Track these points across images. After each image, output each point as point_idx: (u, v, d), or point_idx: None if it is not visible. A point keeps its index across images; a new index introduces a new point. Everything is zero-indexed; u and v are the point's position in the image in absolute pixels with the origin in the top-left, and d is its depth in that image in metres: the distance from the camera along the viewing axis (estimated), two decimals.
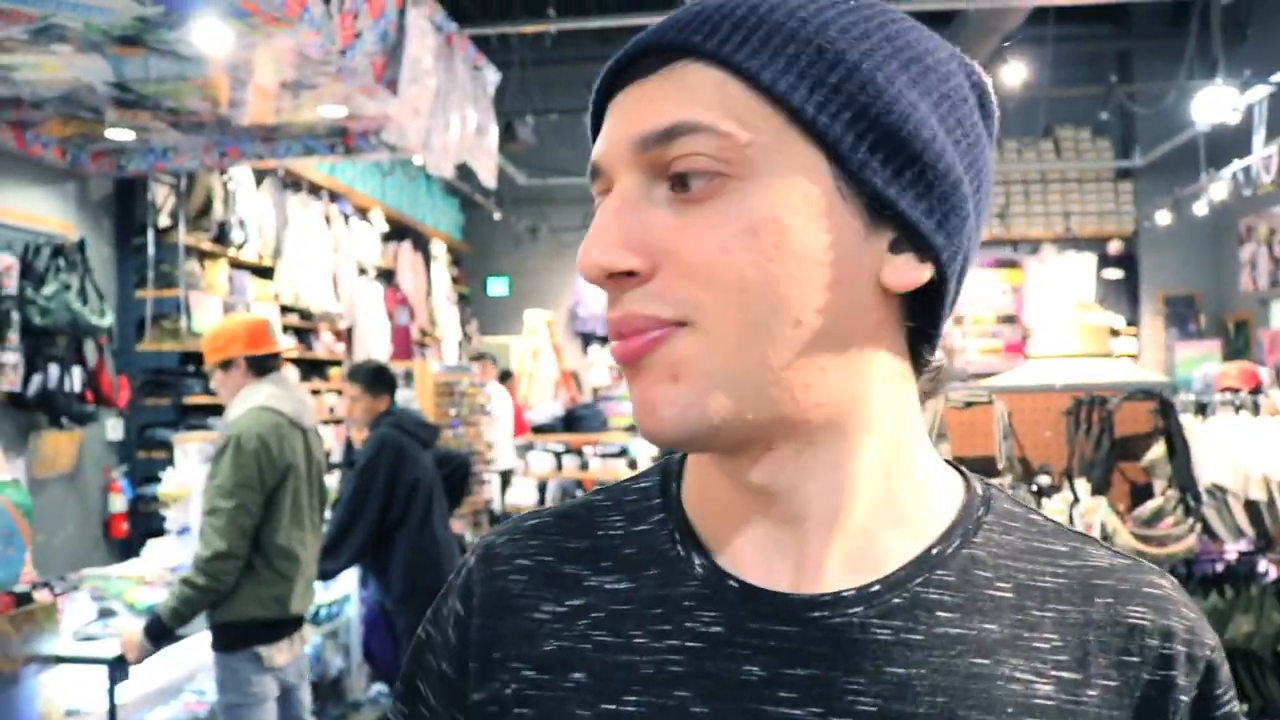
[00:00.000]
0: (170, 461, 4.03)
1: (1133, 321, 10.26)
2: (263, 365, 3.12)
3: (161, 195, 5.68)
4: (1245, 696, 3.13)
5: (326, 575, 3.66)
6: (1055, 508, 2.86)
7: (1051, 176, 10.30)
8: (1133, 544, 2.81)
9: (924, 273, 0.57)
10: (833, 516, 0.59)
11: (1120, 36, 10.11)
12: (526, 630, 0.64)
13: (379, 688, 4.62)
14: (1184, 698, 0.59)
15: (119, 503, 5.33)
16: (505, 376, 8.30)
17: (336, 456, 5.44)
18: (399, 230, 9.01)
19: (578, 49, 8.72)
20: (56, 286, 4.73)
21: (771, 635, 0.58)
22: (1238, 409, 3.39)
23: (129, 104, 4.24)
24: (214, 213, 6.05)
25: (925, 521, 0.61)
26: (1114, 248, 10.21)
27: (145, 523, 5.17)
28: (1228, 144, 7.48)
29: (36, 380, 4.65)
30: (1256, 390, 4.16)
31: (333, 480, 3.56)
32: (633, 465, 6.58)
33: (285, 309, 6.82)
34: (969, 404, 2.88)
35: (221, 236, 6.17)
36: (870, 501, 0.60)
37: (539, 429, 7.06)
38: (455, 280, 10.45)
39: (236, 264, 6.43)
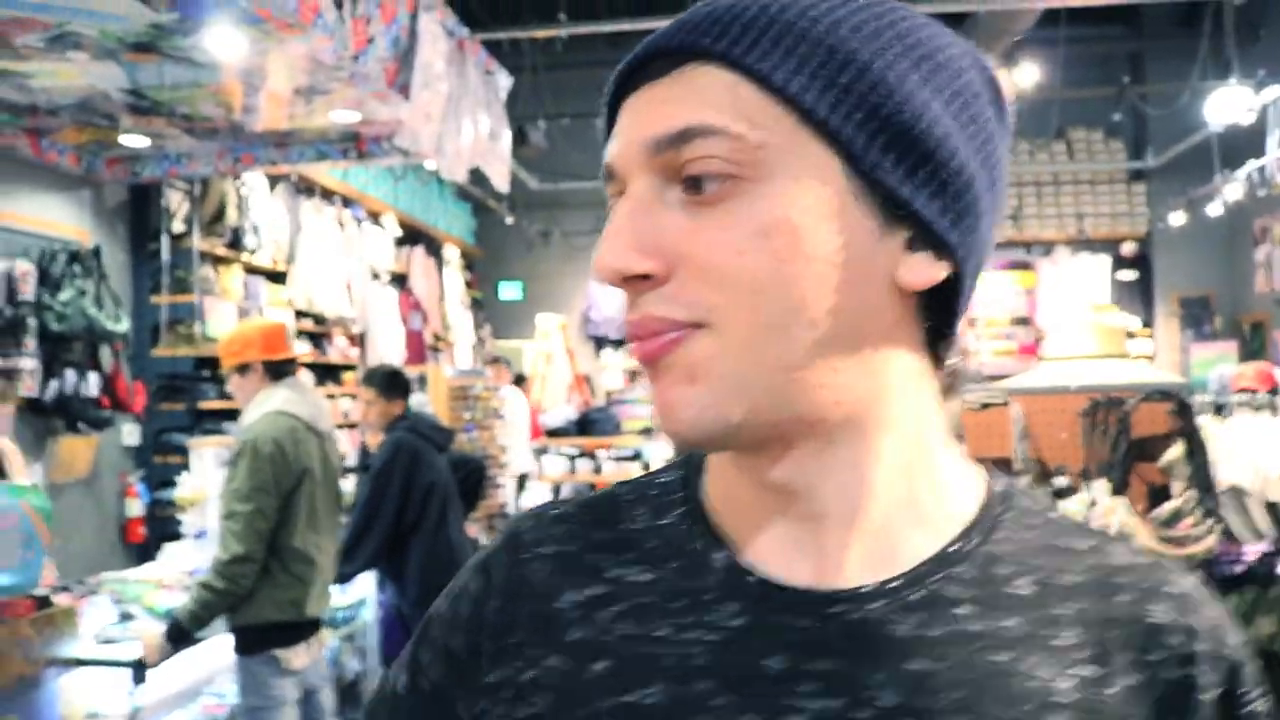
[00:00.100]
0: (186, 466, 4.05)
1: (1148, 323, 10.22)
2: (278, 370, 3.13)
3: (176, 201, 5.70)
4: None
5: (343, 579, 3.67)
6: (1073, 509, 2.85)
7: (1064, 178, 10.28)
8: (1152, 545, 2.80)
9: (939, 271, 0.57)
10: (852, 513, 0.60)
11: (1132, 37, 10.08)
12: (547, 618, 0.64)
13: None
14: (1206, 696, 0.58)
15: (135, 507, 5.35)
16: (519, 380, 8.31)
17: (351, 461, 5.44)
18: (412, 235, 9.03)
19: (589, 53, 8.73)
20: (73, 293, 4.76)
21: (792, 629, 0.59)
22: (1257, 410, 3.38)
23: (143, 110, 4.27)
24: (228, 218, 6.08)
25: (945, 518, 0.61)
26: (1128, 249, 10.18)
27: (161, 527, 5.19)
28: (1242, 144, 7.45)
29: (53, 386, 4.68)
30: (1274, 391, 4.14)
31: (348, 484, 3.57)
32: (646, 469, 6.58)
33: (299, 314, 6.84)
34: (985, 405, 2.88)
35: (235, 242, 6.20)
36: (890, 499, 0.60)
37: (553, 433, 7.07)
38: (468, 284, 10.47)
39: (250, 269, 6.45)
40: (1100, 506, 2.83)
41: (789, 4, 0.56)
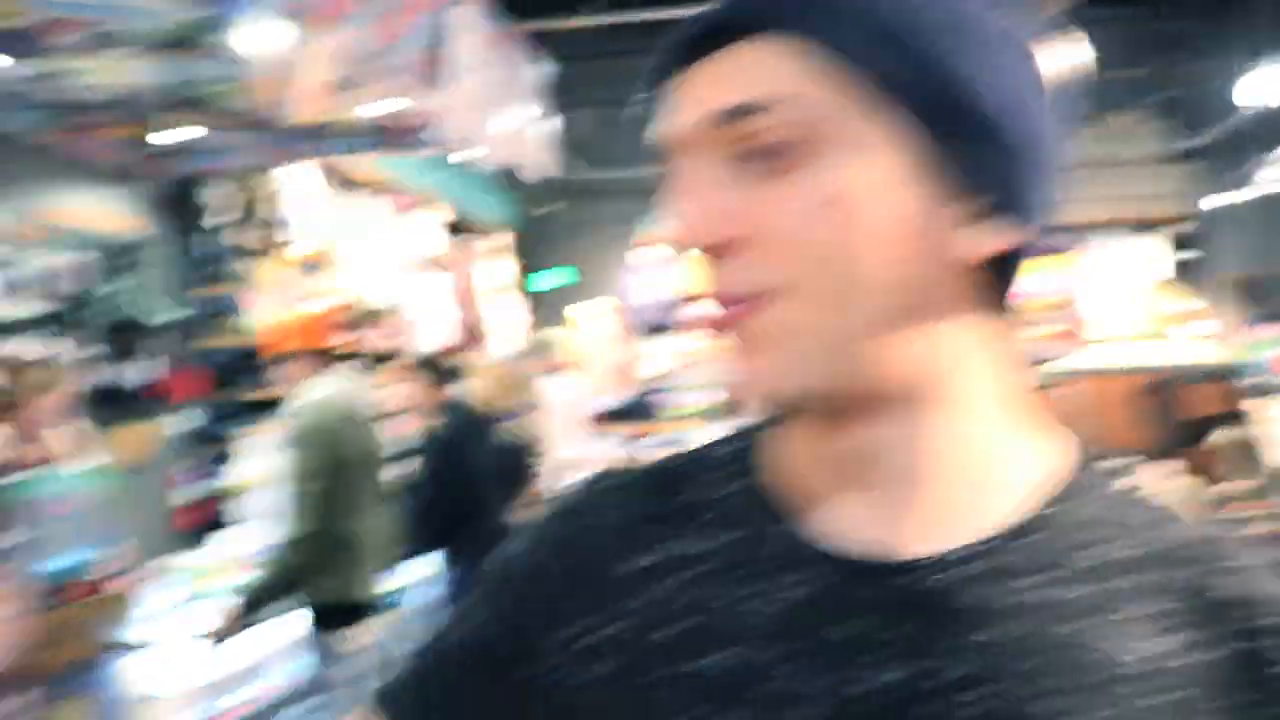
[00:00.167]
0: (233, 455, 4.11)
1: (1199, 304, 10.06)
2: (323, 358, 3.17)
3: (216, 195, 5.77)
4: None
5: (390, 565, 3.72)
6: None
7: (1108, 160, 10.13)
8: None
9: (1003, 241, 0.58)
10: (920, 483, 0.60)
11: (1176, 16, 9.91)
12: (604, 586, 0.65)
13: None
14: (1274, 670, 0.58)
15: (185, 495, 5.42)
16: (562, 367, 8.32)
17: (397, 447, 5.49)
18: (454, 224, 9.07)
19: (632, 41, 8.70)
20: (118, 286, 4.84)
21: (857, 599, 0.59)
22: None
23: (181, 106, 4.31)
24: (268, 211, 6.14)
25: (1015, 488, 0.61)
26: (1176, 230, 10.03)
27: (211, 514, 5.25)
28: None
29: (102, 376, 4.75)
30: None
31: (393, 471, 3.63)
32: None
33: (342, 303, 6.89)
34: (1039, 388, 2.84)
35: (276, 234, 6.26)
36: (958, 468, 0.60)
37: (597, 419, 7.09)
38: (512, 272, 10.50)
39: (291, 261, 6.51)
40: (1151, 489, 2.79)
41: None
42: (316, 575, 2.98)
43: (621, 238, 10.61)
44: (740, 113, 0.55)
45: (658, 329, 10.62)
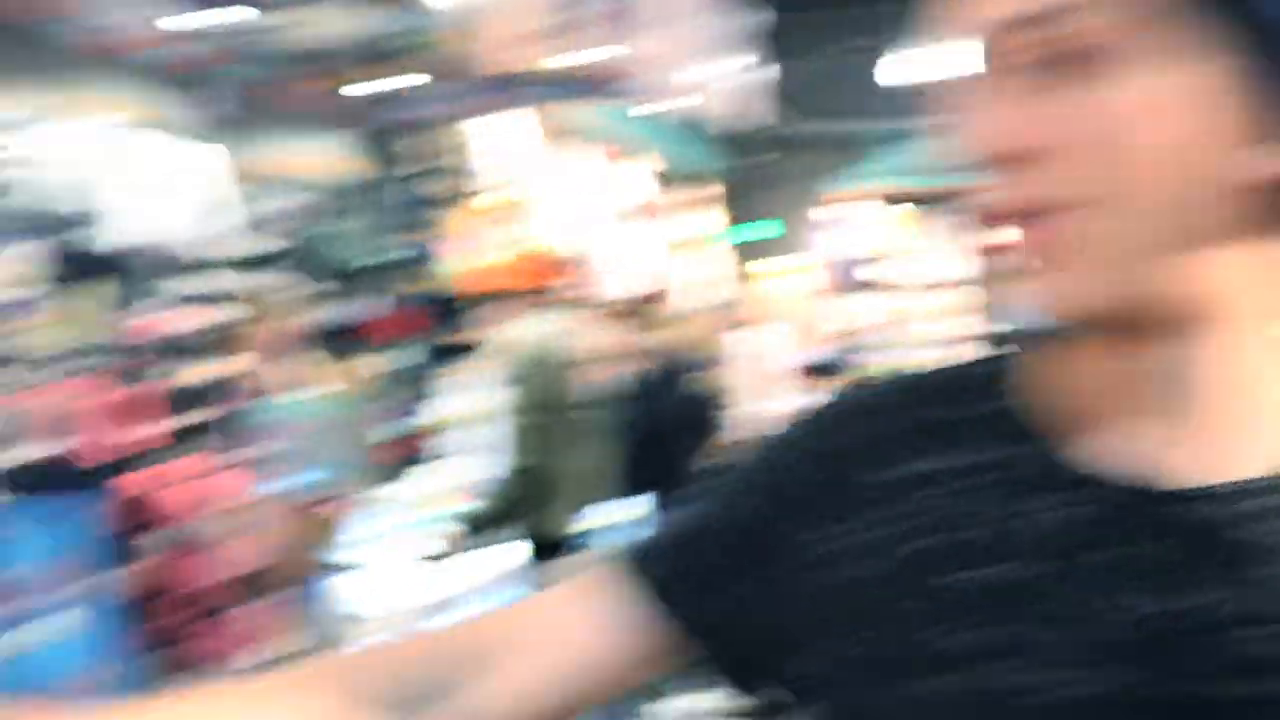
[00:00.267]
0: (432, 394, 4.30)
1: None
2: (527, 301, 3.27)
3: (419, 144, 5.96)
4: None
5: (592, 504, 3.83)
6: None
7: None
8: None
9: None
10: (1197, 409, 0.58)
11: None
12: (854, 494, 0.65)
13: None
14: None
15: (388, 431, 5.69)
16: (760, 321, 8.28)
17: (596, 392, 5.62)
18: (660, 173, 9.09)
19: None
20: (335, 229, 5.09)
21: (1127, 525, 0.57)
22: None
23: (382, 56, 4.45)
24: (469, 160, 6.29)
25: None
26: None
27: (413, 450, 5.50)
28: None
29: (312, 317, 5.02)
30: None
31: (589, 416, 3.72)
32: None
33: (544, 249, 7.02)
34: None
35: (476, 182, 6.41)
36: (1238, 397, 0.58)
37: (795, 374, 7.04)
38: (716, 223, 10.47)
39: (493, 208, 6.66)
40: None
41: None
42: (531, 508, 3.12)
43: (827, 191, 10.42)
44: (1036, 19, 0.54)
45: (860, 285, 10.41)
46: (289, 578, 1.58)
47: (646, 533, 0.76)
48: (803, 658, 0.65)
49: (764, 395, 7.13)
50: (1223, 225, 0.55)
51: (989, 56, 0.56)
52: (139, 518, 1.33)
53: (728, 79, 4.37)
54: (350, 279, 5.18)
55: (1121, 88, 0.53)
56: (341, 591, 3.09)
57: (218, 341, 2.20)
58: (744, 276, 10.59)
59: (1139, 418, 0.58)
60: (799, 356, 7.29)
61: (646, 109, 8.39)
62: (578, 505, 3.25)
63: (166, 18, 4.10)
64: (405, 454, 5.56)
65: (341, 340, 5.08)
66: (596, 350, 4.07)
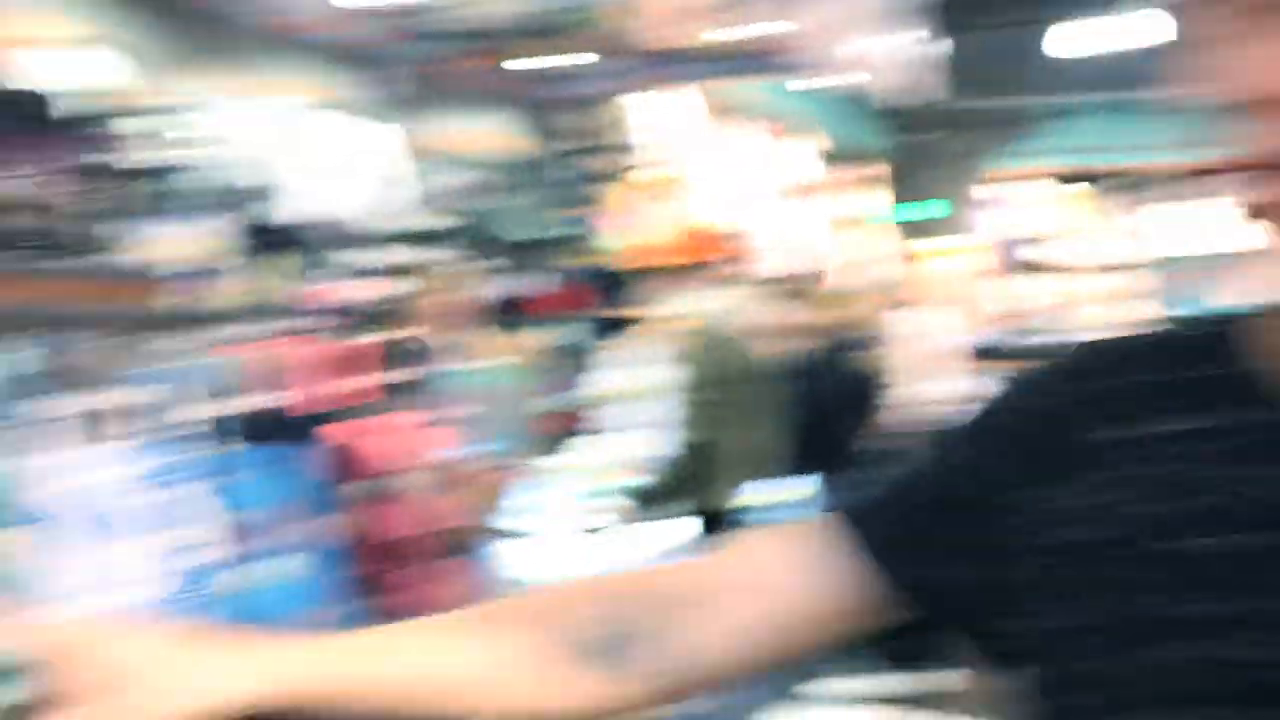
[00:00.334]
0: (596, 369, 4.35)
1: None
2: (690, 277, 3.27)
3: (576, 120, 6.01)
4: None
5: (758, 480, 3.82)
6: None
7: None
8: None
9: None
10: None
11: None
12: (1073, 455, 0.63)
13: None
14: None
15: (552, 404, 5.78)
16: (925, 301, 8.11)
17: (760, 370, 5.61)
18: (819, 150, 8.98)
19: None
20: (490, 208, 5.19)
21: None
22: None
23: (547, 33, 4.49)
24: (631, 135, 6.32)
25: None
26: None
27: (577, 424, 5.57)
28: None
29: (488, 289, 5.12)
30: None
31: (757, 392, 3.71)
32: None
33: (703, 227, 7.01)
34: None
35: (638, 158, 6.43)
36: None
37: (962, 356, 6.89)
38: (881, 202, 10.28)
39: (651, 185, 6.68)
40: None
41: None
42: (698, 484, 3.14)
43: (993, 169, 10.12)
44: None
45: (1026, 266, 10.09)
46: (468, 539, 1.62)
47: (864, 490, 0.75)
48: (1018, 620, 0.63)
49: (927, 377, 6.97)
50: None
51: None
52: (347, 469, 1.37)
53: (893, 54, 4.26)
54: (516, 254, 5.28)
55: None
56: (507, 559, 3.15)
57: (391, 313, 2.26)
58: (908, 256, 10.38)
59: None
60: (963, 338, 7.11)
61: (810, 85, 8.28)
62: (743, 482, 3.26)
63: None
64: (569, 427, 5.64)
65: (507, 314, 5.18)
66: (762, 327, 4.05)
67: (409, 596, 1.47)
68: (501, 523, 3.09)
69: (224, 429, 1.24)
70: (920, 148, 9.91)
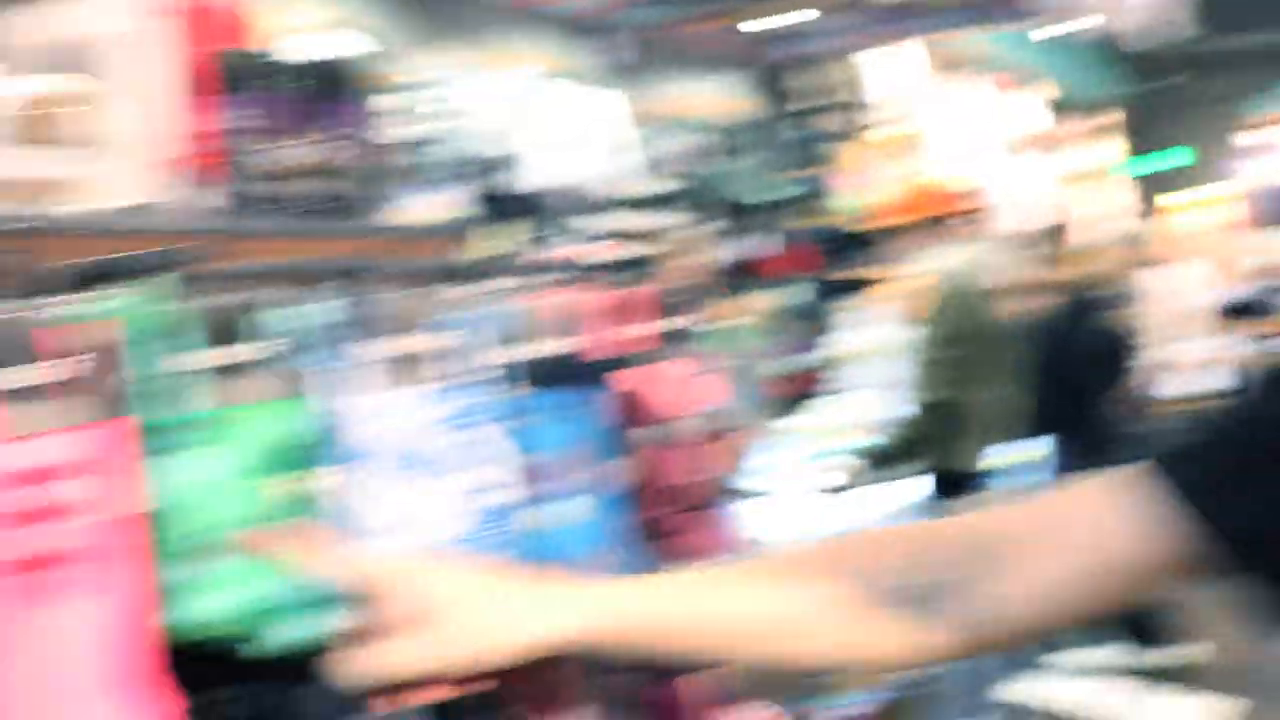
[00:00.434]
0: (828, 329, 4.32)
1: None
2: (942, 227, 3.20)
3: (810, 79, 5.94)
4: None
5: (1002, 442, 3.73)
6: None
7: None
8: None
9: None
10: None
11: None
12: None
13: None
14: None
15: (787, 366, 5.77)
16: (1169, 257, 7.67)
17: (1002, 328, 5.44)
18: (1056, 101, 8.59)
19: None
20: (729, 168, 5.19)
21: None
22: None
23: None
24: (859, 93, 6.21)
25: None
26: None
27: (808, 386, 5.54)
28: None
29: (720, 254, 5.15)
30: None
31: (999, 351, 3.60)
32: None
33: (938, 184, 6.84)
34: None
35: (867, 116, 6.33)
36: None
37: (1214, 315, 6.49)
38: (1117, 153, 9.76)
39: (883, 142, 6.56)
40: None
41: None
42: (937, 444, 3.09)
43: (1248, 114, 9.43)
44: None
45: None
46: (725, 492, 1.64)
47: (1173, 440, 0.73)
48: None
49: (1179, 336, 6.59)
50: None
51: None
52: (631, 414, 1.40)
53: None
54: (746, 216, 5.28)
55: None
56: (747, 518, 3.17)
57: (625, 277, 2.29)
58: (1152, 210, 9.81)
59: None
60: (1216, 295, 6.67)
61: (1045, 33, 7.92)
62: (985, 442, 3.18)
63: None
64: (802, 388, 5.63)
65: (739, 276, 5.20)
66: (1001, 285, 3.93)
67: (685, 543, 1.49)
68: (739, 483, 3.11)
69: (516, 374, 1.28)
70: (1163, 93, 9.31)
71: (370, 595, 0.83)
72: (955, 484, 3.15)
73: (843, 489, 3.21)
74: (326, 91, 1.68)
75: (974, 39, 6.98)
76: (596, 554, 1.29)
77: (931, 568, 0.75)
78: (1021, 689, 3.39)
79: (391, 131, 2.56)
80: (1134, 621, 3.39)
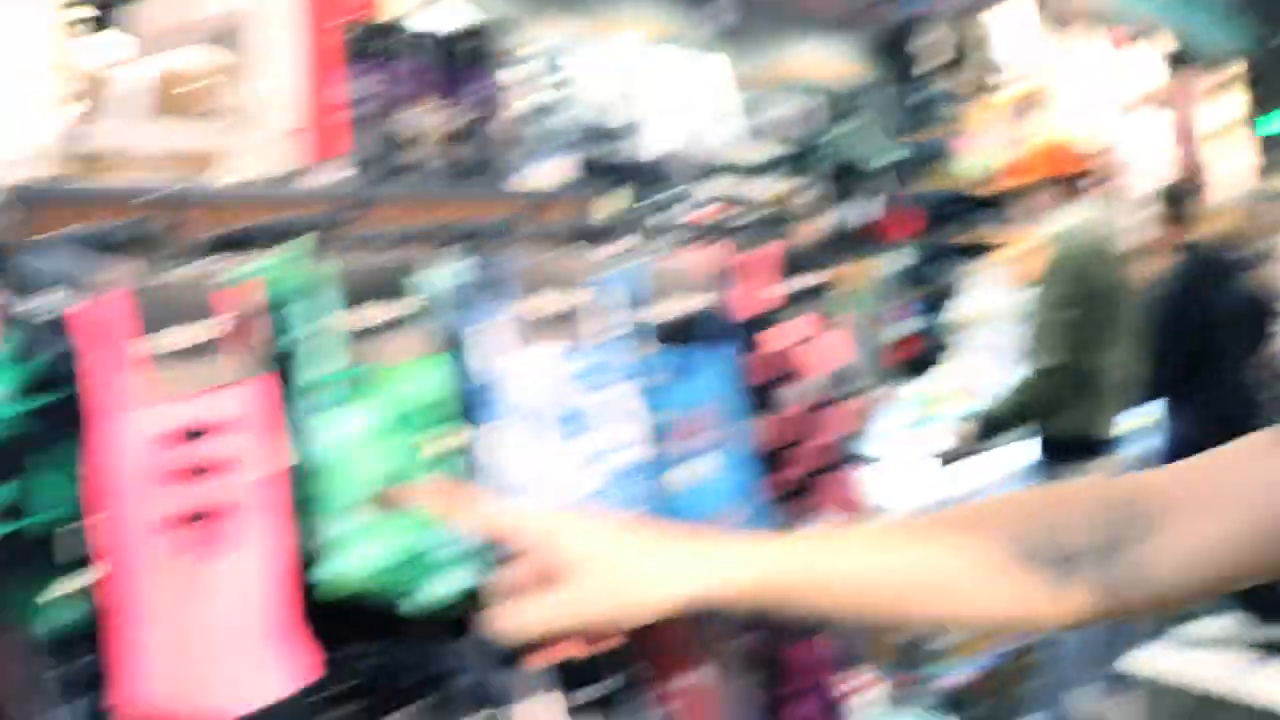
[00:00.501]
0: (948, 293, 4.23)
1: None
2: (1069, 187, 3.11)
3: (933, 38, 5.82)
4: None
5: (1127, 406, 3.63)
6: None
7: None
8: None
9: None
10: None
11: None
12: None
13: None
14: None
15: (900, 330, 5.69)
16: None
17: (1127, 290, 5.29)
18: (1176, 55, 8.27)
19: None
20: (840, 131, 5.12)
21: None
22: None
23: None
24: (980, 53, 6.08)
25: None
26: None
27: (920, 351, 5.46)
28: None
29: (831, 216, 5.09)
30: None
31: (1124, 314, 3.49)
32: None
33: (1064, 143, 6.66)
34: None
35: (988, 76, 6.19)
36: None
37: None
38: (1244, 109, 9.35)
39: (1004, 102, 6.40)
40: None
41: None
42: (1056, 408, 3.01)
43: None
44: None
45: None
46: (850, 454, 1.63)
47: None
48: None
49: None
50: None
51: None
52: (759, 373, 1.41)
53: None
54: (862, 180, 5.21)
55: None
56: (867, 482, 3.15)
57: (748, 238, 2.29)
58: (1276, 168, 9.39)
59: None
60: None
61: None
62: (1103, 408, 3.09)
63: None
64: (917, 354, 5.55)
65: (855, 240, 5.13)
66: (1131, 245, 3.80)
67: (812, 503, 1.49)
68: (862, 447, 3.09)
69: (646, 334, 1.29)
70: None
71: (513, 550, 0.85)
72: (1072, 450, 3.07)
73: (955, 455, 3.15)
74: (454, 61, 1.72)
75: None
76: (725, 512, 1.29)
77: (1077, 529, 0.73)
78: (1137, 660, 3.32)
79: (515, 100, 2.59)
80: (1253, 594, 3.28)
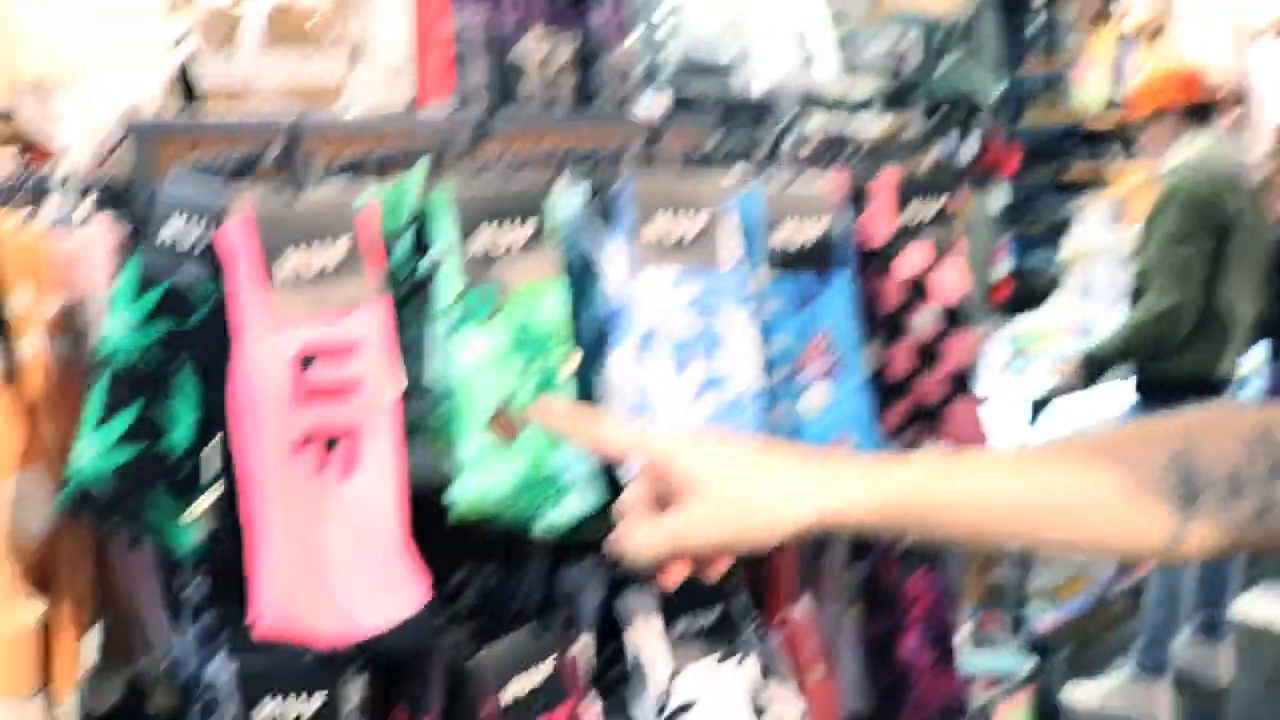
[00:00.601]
0: (1053, 230, 4.14)
1: None
2: (1197, 115, 2.99)
3: None
4: None
5: (1231, 353, 3.51)
6: None
7: None
8: None
9: None
10: None
11: None
12: None
13: None
14: None
15: (1004, 268, 5.56)
16: None
17: (1255, 227, 5.11)
18: None
19: None
20: (950, 63, 4.97)
21: None
22: None
23: None
24: None
25: None
26: None
27: (1028, 287, 5.34)
28: None
29: (935, 150, 4.97)
30: None
31: (1250, 252, 3.35)
32: None
33: (1193, 71, 6.41)
34: None
35: (1109, 4, 5.98)
36: None
37: None
38: None
39: (1124, 32, 6.18)
40: None
41: None
42: (1172, 348, 2.91)
43: None
44: None
45: None
46: (958, 387, 1.59)
47: None
48: None
49: None
50: None
51: None
52: (874, 302, 1.39)
53: None
54: (971, 113, 5.08)
55: None
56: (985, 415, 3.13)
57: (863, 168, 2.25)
58: None
59: None
60: None
61: None
62: (1230, 347, 2.98)
63: None
64: (1025, 290, 5.42)
65: (967, 174, 5.01)
66: (1259, 181, 3.66)
67: (927, 435, 1.47)
68: (973, 381, 3.05)
69: (760, 260, 1.28)
70: None
71: (640, 471, 0.85)
72: (1186, 391, 2.98)
73: (1060, 391, 3.08)
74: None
75: None
76: (838, 442, 1.28)
77: (1213, 464, 0.72)
78: (1233, 607, 3.25)
79: (630, 32, 2.58)
80: None
